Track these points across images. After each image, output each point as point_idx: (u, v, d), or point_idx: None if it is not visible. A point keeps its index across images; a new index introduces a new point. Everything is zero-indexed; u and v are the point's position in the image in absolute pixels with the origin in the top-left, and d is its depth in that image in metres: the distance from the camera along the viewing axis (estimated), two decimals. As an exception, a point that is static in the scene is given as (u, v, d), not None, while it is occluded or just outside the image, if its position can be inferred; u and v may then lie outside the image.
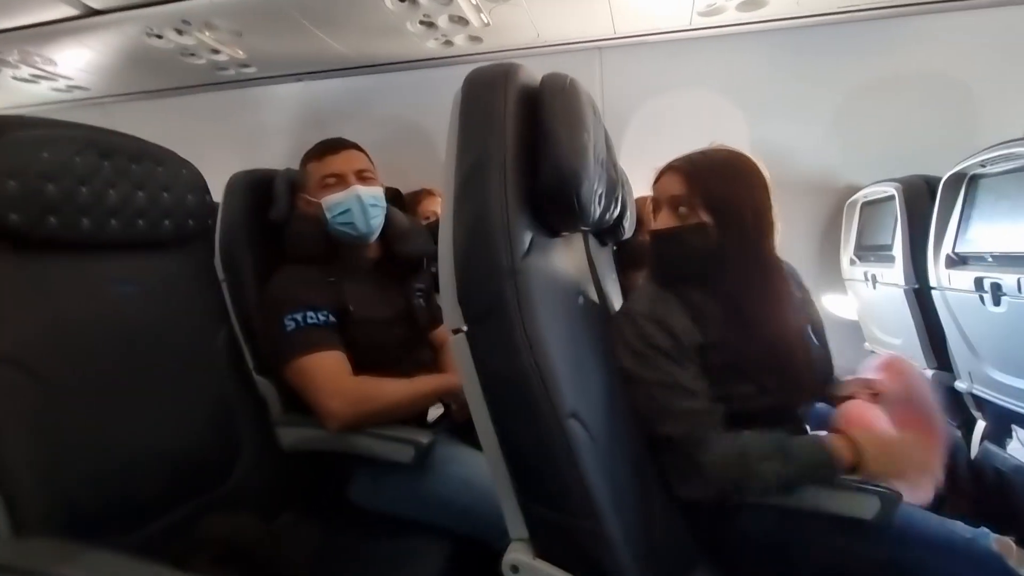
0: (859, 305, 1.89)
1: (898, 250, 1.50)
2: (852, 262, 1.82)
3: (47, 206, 0.82)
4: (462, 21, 1.44)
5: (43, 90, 1.87)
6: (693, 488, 0.77)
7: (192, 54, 1.59)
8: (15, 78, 1.74)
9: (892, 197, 1.52)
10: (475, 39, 1.55)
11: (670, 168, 0.88)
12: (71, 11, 1.35)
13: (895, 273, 1.52)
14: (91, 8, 1.35)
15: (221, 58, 1.62)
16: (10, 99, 1.98)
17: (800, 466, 0.76)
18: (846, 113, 1.69)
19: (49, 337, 0.83)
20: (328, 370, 1.06)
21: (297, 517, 1.11)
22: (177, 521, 0.93)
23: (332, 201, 1.16)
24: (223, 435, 1.06)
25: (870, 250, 1.72)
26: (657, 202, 0.89)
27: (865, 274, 1.72)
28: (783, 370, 0.82)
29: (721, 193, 0.83)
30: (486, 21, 1.44)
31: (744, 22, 1.54)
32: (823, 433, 0.86)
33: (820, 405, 1.07)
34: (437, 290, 1.51)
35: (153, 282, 1.00)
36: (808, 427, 0.93)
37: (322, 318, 1.09)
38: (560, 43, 1.62)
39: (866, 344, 1.86)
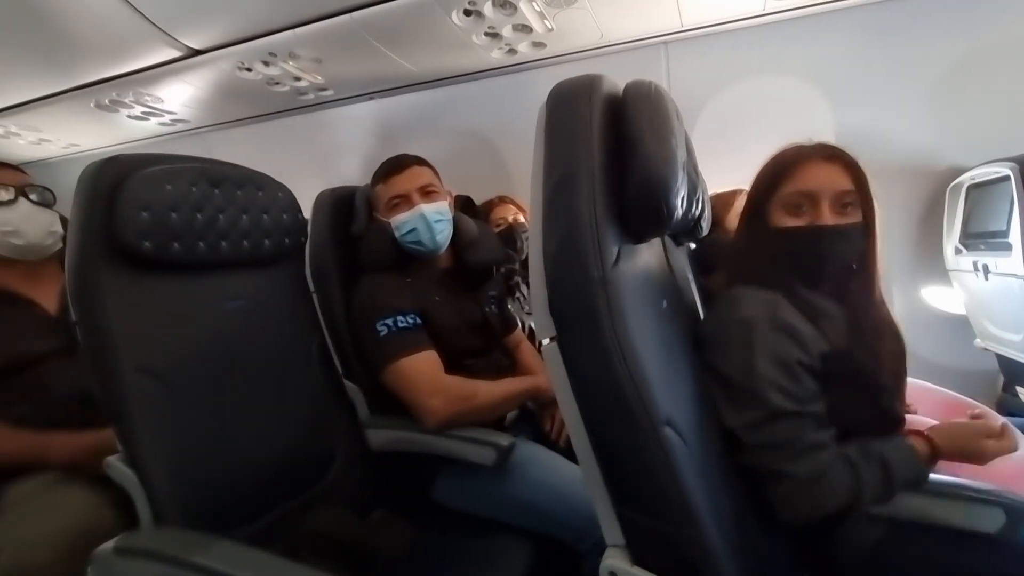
0: (967, 298, 1.72)
1: (1016, 236, 1.35)
2: (958, 251, 1.66)
3: (172, 233, 0.91)
4: (526, 29, 1.45)
5: (151, 125, 2.09)
6: (800, 515, 0.72)
7: (277, 83, 1.72)
8: (129, 116, 1.96)
9: (1007, 178, 1.37)
10: (539, 45, 1.56)
11: (833, 158, 0.81)
12: (176, 53, 1.51)
13: (1012, 262, 1.36)
14: (193, 49, 1.50)
15: (302, 84, 1.74)
16: (124, 135, 2.23)
17: (901, 484, 0.73)
18: (945, 90, 1.54)
19: (173, 349, 0.93)
20: (425, 370, 1.12)
21: (387, 514, 1.17)
22: (283, 516, 1.01)
23: (399, 221, 1.22)
24: (320, 436, 1.14)
25: (980, 237, 1.56)
26: (813, 197, 0.79)
27: (974, 264, 1.56)
28: (897, 380, 0.79)
29: (871, 191, 0.80)
30: (550, 27, 1.44)
31: (823, 0, 1.45)
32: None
33: None
34: (509, 295, 1.55)
35: (257, 297, 1.09)
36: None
37: (411, 321, 1.14)
38: (624, 41, 1.60)
39: (977, 341, 1.69)
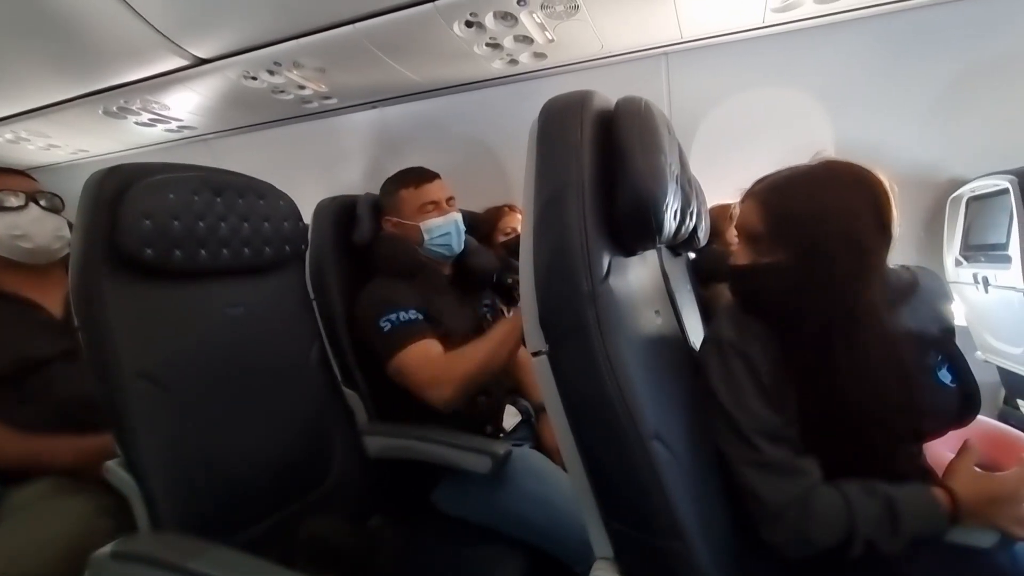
0: (967, 310, 1.71)
1: (1015, 249, 1.34)
2: (958, 263, 1.65)
3: (174, 241, 0.93)
4: (527, 40, 1.46)
5: (158, 132, 2.12)
6: (786, 544, 0.70)
7: (282, 91, 1.74)
8: (137, 123, 1.99)
9: (1005, 191, 1.37)
10: (540, 55, 1.58)
11: (750, 195, 0.78)
12: (183, 62, 1.53)
13: (1012, 275, 1.36)
14: (199, 58, 1.52)
15: (306, 93, 1.76)
16: (132, 141, 2.26)
17: (912, 529, 0.67)
18: (946, 102, 1.54)
19: (174, 355, 0.94)
20: (421, 359, 1.14)
21: (384, 521, 1.17)
22: (279, 522, 1.02)
23: (433, 225, 1.29)
24: (318, 442, 1.15)
25: (980, 250, 1.56)
26: (739, 230, 0.80)
27: (974, 276, 1.55)
28: (876, 427, 0.71)
29: (803, 227, 0.70)
30: (550, 38, 1.46)
31: (823, 14, 1.45)
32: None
33: None
34: (503, 303, 1.56)
35: (256, 304, 1.10)
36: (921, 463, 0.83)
37: (413, 315, 1.17)
38: (624, 52, 1.61)
39: (978, 353, 1.68)
